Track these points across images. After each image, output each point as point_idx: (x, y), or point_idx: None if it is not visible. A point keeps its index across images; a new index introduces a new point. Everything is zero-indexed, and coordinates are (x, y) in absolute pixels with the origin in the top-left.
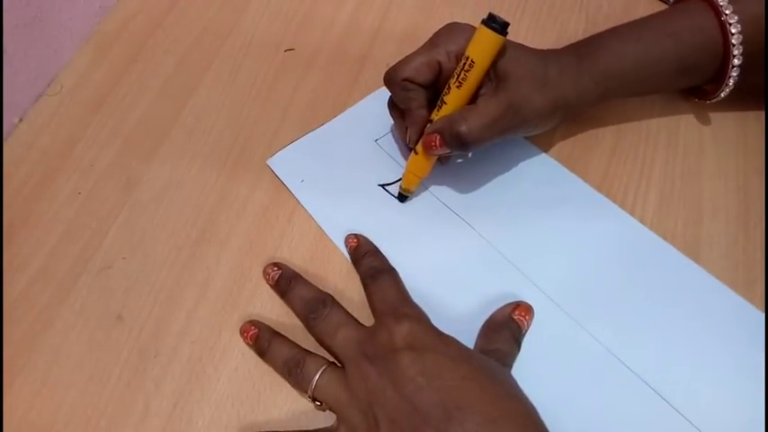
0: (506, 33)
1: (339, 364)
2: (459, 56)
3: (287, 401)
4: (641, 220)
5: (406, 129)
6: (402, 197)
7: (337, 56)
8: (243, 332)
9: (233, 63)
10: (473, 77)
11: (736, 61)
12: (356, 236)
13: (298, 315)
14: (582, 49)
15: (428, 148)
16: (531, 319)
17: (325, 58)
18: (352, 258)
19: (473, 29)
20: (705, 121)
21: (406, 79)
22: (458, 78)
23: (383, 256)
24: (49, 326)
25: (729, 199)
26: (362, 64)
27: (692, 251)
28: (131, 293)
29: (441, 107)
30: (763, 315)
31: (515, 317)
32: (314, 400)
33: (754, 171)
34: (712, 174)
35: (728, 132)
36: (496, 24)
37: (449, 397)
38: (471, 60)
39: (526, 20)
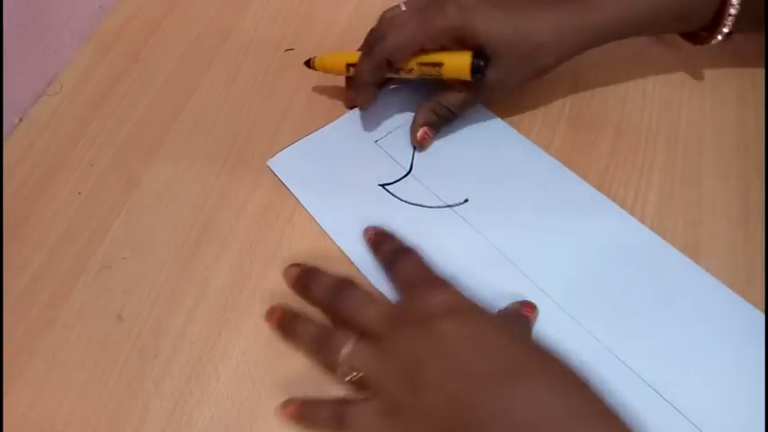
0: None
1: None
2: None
3: None
4: (641, 221)
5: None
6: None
7: None
8: (268, 317)
9: (233, 63)
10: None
11: (732, 10)
12: (373, 227)
13: (321, 302)
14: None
15: (422, 143)
16: (537, 317)
17: None
18: (371, 249)
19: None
20: (705, 121)
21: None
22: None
23: (401, 239)
24: (49, 326)
25: (729, 199)
26: None
27: (692, 251)
28: (131, 293)
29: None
30: (763, 315)
31: (523, 313)
32: (345, 375)
33: (755, 171)
34: (712, 174)
35: (728, 132)
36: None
37: (499, 361)
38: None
39: None
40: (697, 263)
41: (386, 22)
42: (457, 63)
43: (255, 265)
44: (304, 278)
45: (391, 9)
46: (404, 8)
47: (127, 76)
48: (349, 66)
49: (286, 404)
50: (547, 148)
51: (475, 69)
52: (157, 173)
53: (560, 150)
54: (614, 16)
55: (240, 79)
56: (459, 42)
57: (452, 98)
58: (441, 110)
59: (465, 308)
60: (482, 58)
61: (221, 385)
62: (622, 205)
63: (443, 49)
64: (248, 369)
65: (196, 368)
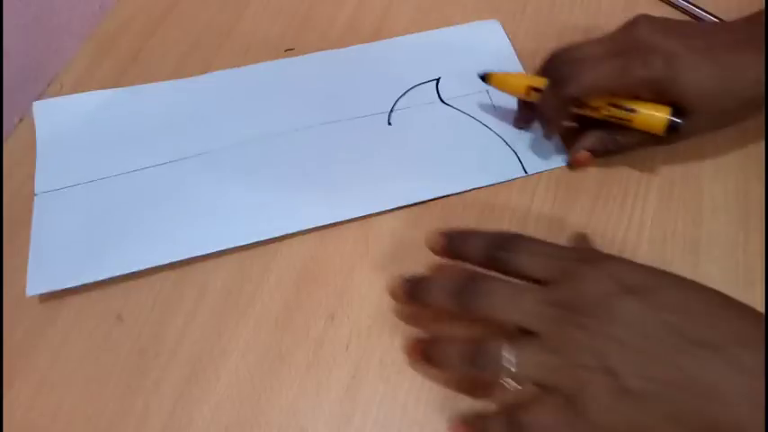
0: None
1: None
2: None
3: (287, 401)
4: (641, 221)
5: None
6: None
7: None
8: (411, 351)
9: (233, 63)
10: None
11: None
12: (441, 233)
13: (448, 307)
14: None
15: (579, 165)
16: None
17: None
18: (453, 255)
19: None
20: None
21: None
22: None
23: (484, 230)
24: (49, 326)
25: (729, 199)
26: None
27: (692, 251)
28: (131, 293)
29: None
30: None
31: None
32: (514, 385)
33: (754, 172)
34: (712, 174)
35: (728, 133)
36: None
37: (715, 328)
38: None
39: (526, 20)
40: (697, 263)
41: (579, 59)
42: (652, 117)
43: (255, 265)
44: (416, 287)
45: (581, 46)
46: (596, 47)
47: (127, 76)
48: (530, 89)
49: (455, 426)
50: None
51: (671, 128)
52: None
53: (560, 150)
54: None
55: None
56: (656, 94)
57: (630, 138)
58: (611, 144)
59: (635, 278)
60: (679, 114)
61: (221, 385)
62: (622, 206)
63: (635, 97)
64: (248, 369)
65: (196, 368)
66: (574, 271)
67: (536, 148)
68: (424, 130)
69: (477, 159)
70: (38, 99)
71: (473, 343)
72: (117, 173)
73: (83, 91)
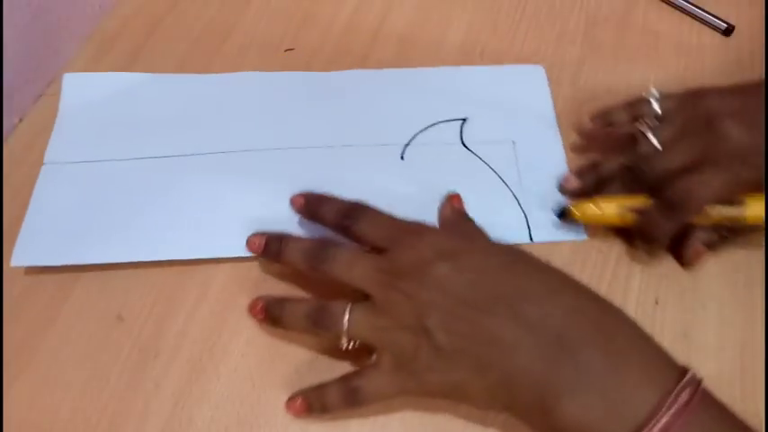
0: None
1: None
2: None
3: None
4: None
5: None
6: (563, 215)
7: (337, 56)
8: (251, 309)
9: (233, 63)
10: None
11: None
12: (300, 194)
13: (300, 267)
14: None
15: (697, 259)
16: (462, 202)
17: (325, 58)
18: (309, 215)
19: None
20: None
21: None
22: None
23: (340, 197)
24: (49, 326)
25: None
26: (362, 64)
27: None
28: (131, 293)
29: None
30: None
31: (459, 208)
32: (349, 341)
33: None
34: None
35: None
36: None
37: (505, 285)
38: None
39: (526, 20)
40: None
41: (685, 179)
42: (760, 212)
43: (255, 265)
44: (273, 245)
45: (666, 148)
46: (683, 148)
47: None
48: (629, 210)
49: (291, 401)
50: None
51: None
52: None
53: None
54: None
55: None
56: (758, 189)
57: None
58: (725, 231)
59: (452, 245)
60: None
61: (221, 385)
62: None
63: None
64: (248, 369)
65: (196, 368)
66: (401, 240)
67: (548, 219)
68: (436, 172)
69: (485, 214)
70: (37, 99)
71: (317, 303)
72: (125, 157)
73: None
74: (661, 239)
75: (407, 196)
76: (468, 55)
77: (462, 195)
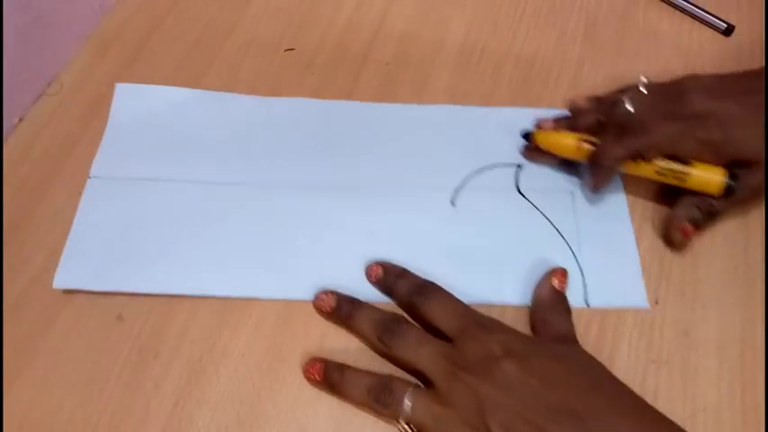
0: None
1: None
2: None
3: (287, 401)
4: (642, 222)
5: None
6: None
7: (337, 56)
8: (307, 370)
9: (233, 63)
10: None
11: None
12: (378, 263)
13: (367, 337)
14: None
15: (685, 237)
16: (567, 282)
17: (325, 58)
18: (383, 288)
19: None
20: None
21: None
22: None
23: (415, 274)
24: (49, 326)
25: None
26: (362, 64)
27: (692, 251)
28: (131, 293)
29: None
30: None
31: (558, 287)
32: (408, 424)
33: None
34: None
35: None
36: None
37: (575, 398)
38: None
39: (526, 20)
40: (697, 263)
41: (643, 118)
42: (706, 179)
43: None
44: (344, 308)
45: (639, 104)
46: (651, 110)
47: (127, 76)
48: (582, 141)
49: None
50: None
51: (727, 191)
52: None
53: None
54: None
55: (240, 79)
56: (717, 155)
57: (724, 202)
58: (709, 208)
59: (522, 346)
60: (733, 178)
61: (221, 385)
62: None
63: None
64: (248, 369)
65: (196, 368)
66: (471, 331)
67: (607, 280)
68: (489, 222)
69: (537, 269)
70: (37, 99)
71: (381, 380)
72: (173, 178)
73: (82, 91)
74: (607, 165)
75: (456, 244)
76: (469, 55)
77: (514, 246)
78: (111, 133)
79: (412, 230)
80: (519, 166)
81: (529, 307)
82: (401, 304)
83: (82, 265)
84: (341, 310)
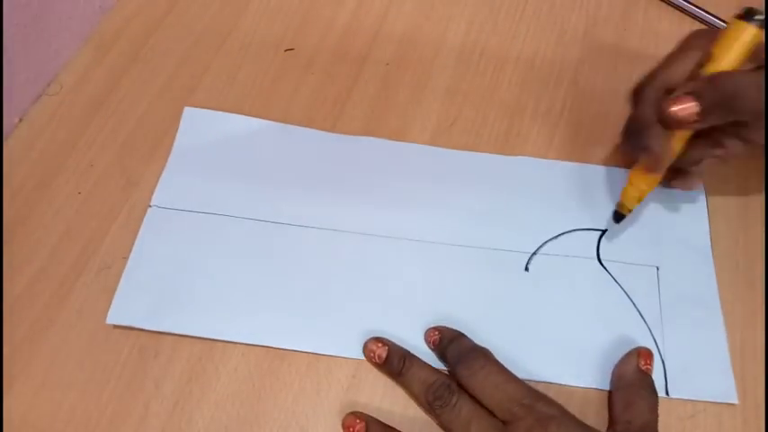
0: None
1: None
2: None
3: (287, 402)
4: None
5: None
6: (619, 216)
7: (337, 56)
8: (348, 427)
9: (233, 63)
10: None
11: None
12: (437, 328)
13: (418, 398)
14: None
15: (675, 115)
16: (653, 364)
17: (326, 58)
18: (438, 354)
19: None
20: None
21: (669, 88)
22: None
23: (469, 339)
24: (49, 326)
25: (729, 199)
26: (362, 64)
27: None
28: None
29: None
30: None
31: (644, 368)
32: None
33: (755, 172)
34: (712, 174)
35: None
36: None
37: None
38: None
39: (526, 20)
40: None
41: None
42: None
43: None
44: (395, 363)
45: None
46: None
47: (127, 76)
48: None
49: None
50: (546, 148)
51: None
52: (157, 173)
53: (561, 148)
54: None
55: (240, 79)
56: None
57: (736, 145)
58: (718, 150)
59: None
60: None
61: (221, 385)
62: None
63: None
64: (248, 369)
65: (196, 368)
66: (525, 419)
67: (693, 370)
68: (564, 292)
69: (612, 350)
70: (37, 99)
71: None
72: (236, 215)
73: (82, 91)
74: (644, 126)
75: (525, 313)
76: (469, 55)
77: (590, 321)
78: (175, 160)
79: (479, 292)
80: (603, 231)
81: (609, 389)
82: (450, 373)
83: (136, 301)
84: (392, 364)
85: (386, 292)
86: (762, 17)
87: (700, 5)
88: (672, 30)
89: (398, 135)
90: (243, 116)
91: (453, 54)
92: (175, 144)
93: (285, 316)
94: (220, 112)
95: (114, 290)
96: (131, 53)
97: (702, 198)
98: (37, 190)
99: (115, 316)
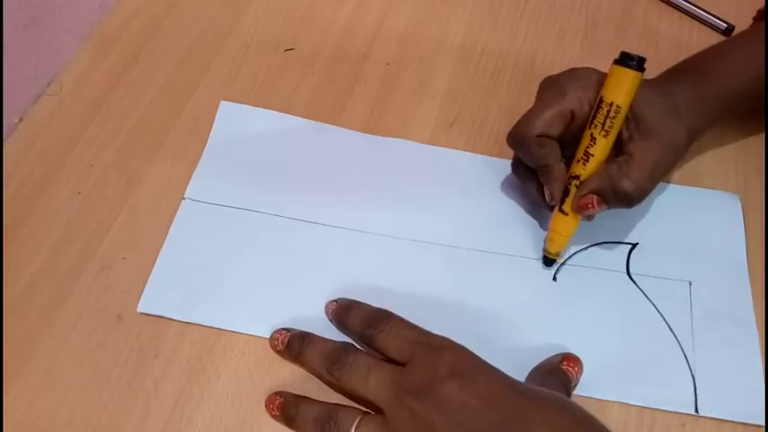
0: (644, 70)
1: (374, 413)
2: (592, 102)
3: None
4: None
5: (541, 188)
6: (548, 261)
7: (337, 56)
8: (268, 404)
9: (233, 63)
10: (618, 124)
11: None
12: (333, 300)
13: (317, 370)
14: (694, 74)
15: (584, 209)
16: (581, 371)
17: (325, 58)
18: (338, 323)
19: (597, 72)
20: None
21: (540, 135)
22: (603, 127)
23: (368, 305)
24: (49, 326)
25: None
26: (362, 64)
27: None
28: (131, 293)
29: (586, 160)
30: None
31: (564, 367)
32: None
33: (754, 171)
34: (712, 174)
35: (728, 132)
36: (633, 62)
37: (509, 415)
38: (617, 106)
39: (526, 20)
40: None
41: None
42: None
43: None
44: (295, 344)
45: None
46: None
47: (127, 76)
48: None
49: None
50: None
51: None
52: (157, 173)
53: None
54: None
55: (240, 79)
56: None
57: (637, 172)
58: (621, 178)
59: (471, 365)
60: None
61: (221, 385)
62: None
63: None
64: (248, 369)
65: (196, 368)
66: (420, 355)
67: (724, 389)
68: (591, 305)
69: (640, 365)
70: (37, 99)
71: (327, 410)
72: (268, 211)
73: (82, 91)
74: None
75: (551, 323)
76: (469, 55)
77: (616, 337)
78: (210, 153)
79: (506, 299)
80: (634, 245)
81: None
82: (357, 339)
83: (168, 291)
84: (292, 346)
85: (413, 294)
86: (635, 61)
87: (700, 5)
88: (672, 30)
89: (398, 135)
90: (277, 112)
91: (453, 54)
92: (210, 137)
93: (312, 313)
94: (256, 108)
95: (114, 289)
96: (131, 53)
97: (738, 208)
98: (37, 190)
99: (147, 305)
